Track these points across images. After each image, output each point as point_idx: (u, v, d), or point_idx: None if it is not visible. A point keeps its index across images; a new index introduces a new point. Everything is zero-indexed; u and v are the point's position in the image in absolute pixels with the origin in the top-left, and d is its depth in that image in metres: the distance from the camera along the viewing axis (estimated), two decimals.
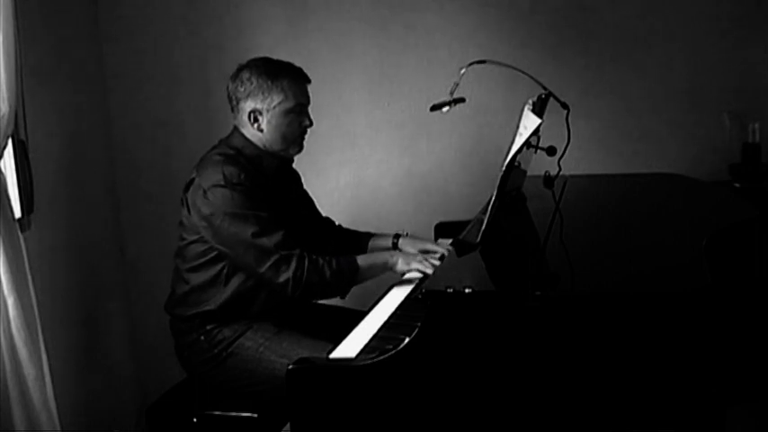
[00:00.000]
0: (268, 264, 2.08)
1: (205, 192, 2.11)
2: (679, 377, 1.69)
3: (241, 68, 2.21)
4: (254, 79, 2.17)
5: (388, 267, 2.20)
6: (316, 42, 3.01)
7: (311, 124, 2.26)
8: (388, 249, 2.45)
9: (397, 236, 2.48)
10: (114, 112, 3.00)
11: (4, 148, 2.08)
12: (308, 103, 2.26)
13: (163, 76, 3.00)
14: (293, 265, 2.08)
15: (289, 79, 2.19)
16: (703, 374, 1.70)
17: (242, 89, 2.18)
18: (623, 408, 1.72)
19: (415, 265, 2.16)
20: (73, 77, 2.71)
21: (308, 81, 2.24)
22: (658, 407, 1.70)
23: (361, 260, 2.18)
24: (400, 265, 2.19)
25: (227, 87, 2.23)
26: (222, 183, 2.10)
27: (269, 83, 2.17)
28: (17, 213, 2.21)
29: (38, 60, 2.41)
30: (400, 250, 2.42)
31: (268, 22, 3.00)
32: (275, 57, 2.25)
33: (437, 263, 2.16)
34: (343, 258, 2.16)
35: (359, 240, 2.52)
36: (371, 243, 2.50)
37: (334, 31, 3.02)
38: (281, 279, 2.08)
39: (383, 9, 3.02)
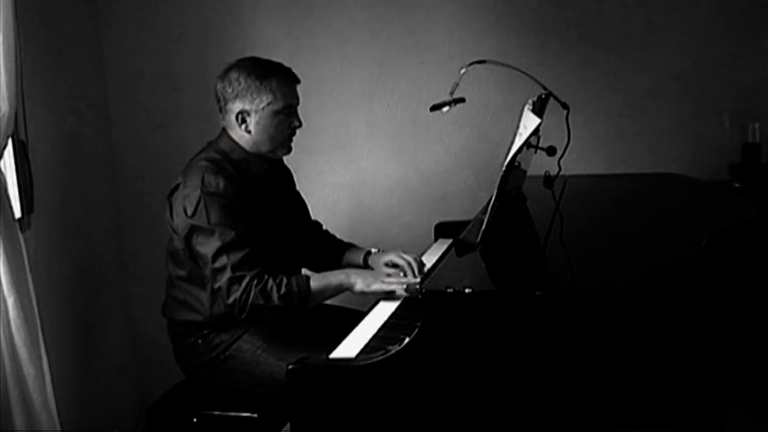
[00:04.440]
0: (220, 282, 2.07)
1: (184, 198, 2.11)
2: (679, 377, 1.69)
3: (229, 69, 2.19)
4: (242, 80, 2.15)
5: (345, 289, 2.15)
6: (315, 42, 3.01)
7: (300, 125, 2.23)
8: (358, 266, 2.41)
9: (369, 252, 2.44)
10: (114, 112, 3.00)
11: (4, 148, 2.08)
12: (298, 103, 2.23)
13: (162, 76, 3.00)
14: (242, 287, 2.05)
15: (277, 80, 2.16)
16: (703, 374, 1.70)
17: (230, 90, 2.16)
18: (623, 407, 1.72)
19: (375, 287, 2.12)
20: (73, 78, 2.72)
21: (298, 81, 2.22)
22: (658, 407, 1.70)
23: (315, 282, 2.13)
24: (359, 286, 2.13)
25: (215, 88, 2.20)
26: (198, 192, 2.08)
27: (257, 83, 2.14)
28: (17, 213, 2.21)
29: (38, 60, 2.41)
30: (370, 267, 2.40)
31: (268, 22, 3.00)
32: (275, 57, 2.24)
33: (403, 280, 2.11)
34: (295, 280, 2.11)
35: (335, 249, 2.50)
36: (346, 256, 2.47)
37: (333, 31, 3.02)
38: (230, 300, 2.06)
39: (383, 9, 3.02)
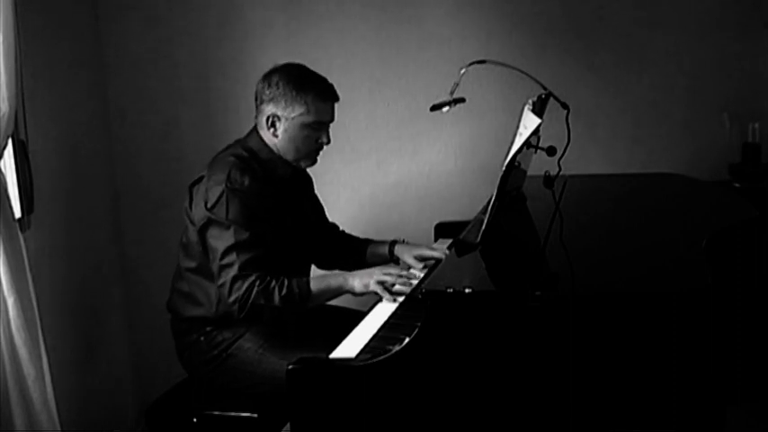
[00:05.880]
0: (224, 279, 2.07)
1: (206, 191, 2.12)
2: (679, 377, 1.69)
3: (273, 70, 2.19)
4: (281, 85, 2.15)
5: (344, 291, 2.16)
6: (316, 42, 3.01)
7: (328, 142, 2.23)
8: (384, 257, 2.43)
9: (393, 242, 2.46)
10: (114, 112, 3.00)
11: (4, 148, 2.08)
12: (332, 120, 2.22)
13: (163, 76, 3.00)
14: (244, 287, 2.05)
15: (315, 94, 2.16)
16: (703, 374, 1.70)
17: (267, 92, 2.16)
18: (623, 407, 1.72)
19: (372, 288, 2.11)
20: (73, 78, 2.71)
21: (336, 99, 2.21)
22: (658, 407, 1.70)
23: (315, 285, 2.13)
24: (358, 288, 2.13)
25: (257, 85, 2.21)
26: (223, 186, 2.09)
27: (293, 93, 2.14)
28: (17, 213, 2.21)
29: (38, 60, 2.41)
30: (397, 258, 2.41)
31: (268, 22, 3.00)
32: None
33: (398, 286, 2.10)
34: (296, 282, 2.11)
35: (357, 247, 2.51)
36: (369, 250, 2.49)
37: (333, 31, 3.02)
38: (231, 299, 2.07)
39: (383, 9, 3.02)
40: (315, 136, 2.20)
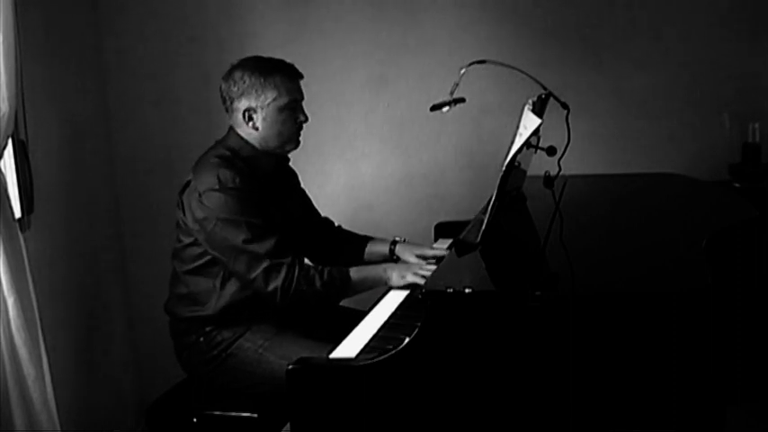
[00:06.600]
0: (257, 271, 2.08)
1: (200, 195, 2.11)
2: (679, 377, 1.69)
3: (233, 68, 2.21)
4: (246, 78, 2.17)
5: (383, 282, 2.20)
6: (316, 42, 3.01)
7: (306, 119, 2.25)
8: (384, 256, 2.45)
9: (394, 242, 2.47)
10: (114, 113, 3.00)
11: (4, 148, 2.08)
12: (302, 98, 2.25)
13: (163, 76, 3.00)
14: (282, 273, 2.07)
15: (281, 75, 2.18)
16: (703, 374, 1.70)
17: (235, 88, 2.18)
18: (623, 408, 1.72)
19: (410, 279, 2.16)
20: (73, 78, 2.72)
21: (301, 77, 2.24)
22: (658, 407, 1.70)
23: (354, 273, 2.17)
24: (395, 280, 2.18)
25: (221, 88, 2.22)
26: (217, 187, 2.09)
27: (261, 80, 2.16)
28: (17, 213, 2.21)
29: (38, 60, 2.41)
30: (397, 257, 2.42)
31: (268, 22, 3.00)
32: (276, 57, 2.25)
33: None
34: (335, 269, 2.15)
35: (356, 243, 2.52)
36: (368, 248, 2.50)
37: (333, 31, 3.02)
38: (270, 288, 2.08)
39: (383, 9, 3.02)
40: (293, 116, 2.22)
